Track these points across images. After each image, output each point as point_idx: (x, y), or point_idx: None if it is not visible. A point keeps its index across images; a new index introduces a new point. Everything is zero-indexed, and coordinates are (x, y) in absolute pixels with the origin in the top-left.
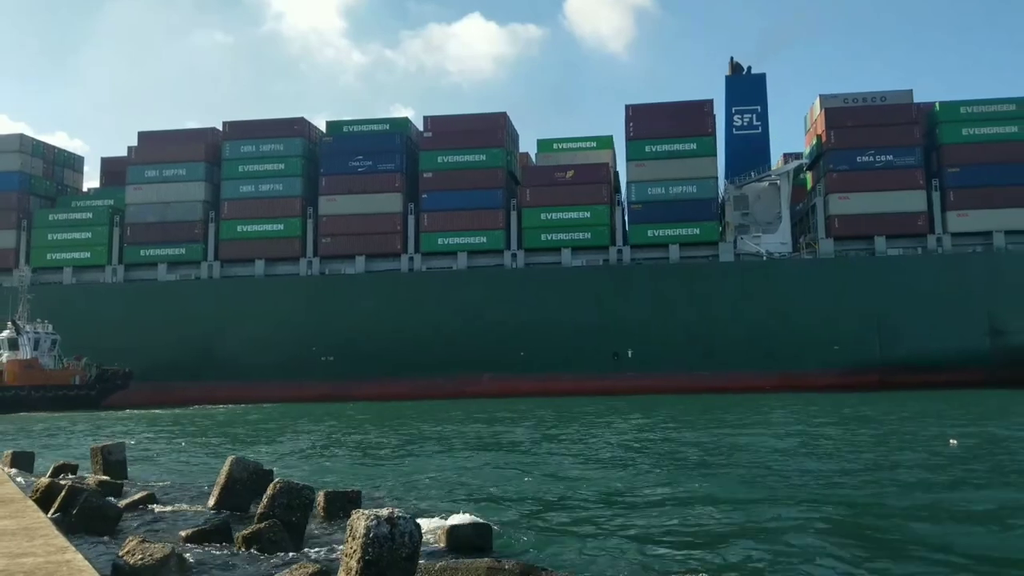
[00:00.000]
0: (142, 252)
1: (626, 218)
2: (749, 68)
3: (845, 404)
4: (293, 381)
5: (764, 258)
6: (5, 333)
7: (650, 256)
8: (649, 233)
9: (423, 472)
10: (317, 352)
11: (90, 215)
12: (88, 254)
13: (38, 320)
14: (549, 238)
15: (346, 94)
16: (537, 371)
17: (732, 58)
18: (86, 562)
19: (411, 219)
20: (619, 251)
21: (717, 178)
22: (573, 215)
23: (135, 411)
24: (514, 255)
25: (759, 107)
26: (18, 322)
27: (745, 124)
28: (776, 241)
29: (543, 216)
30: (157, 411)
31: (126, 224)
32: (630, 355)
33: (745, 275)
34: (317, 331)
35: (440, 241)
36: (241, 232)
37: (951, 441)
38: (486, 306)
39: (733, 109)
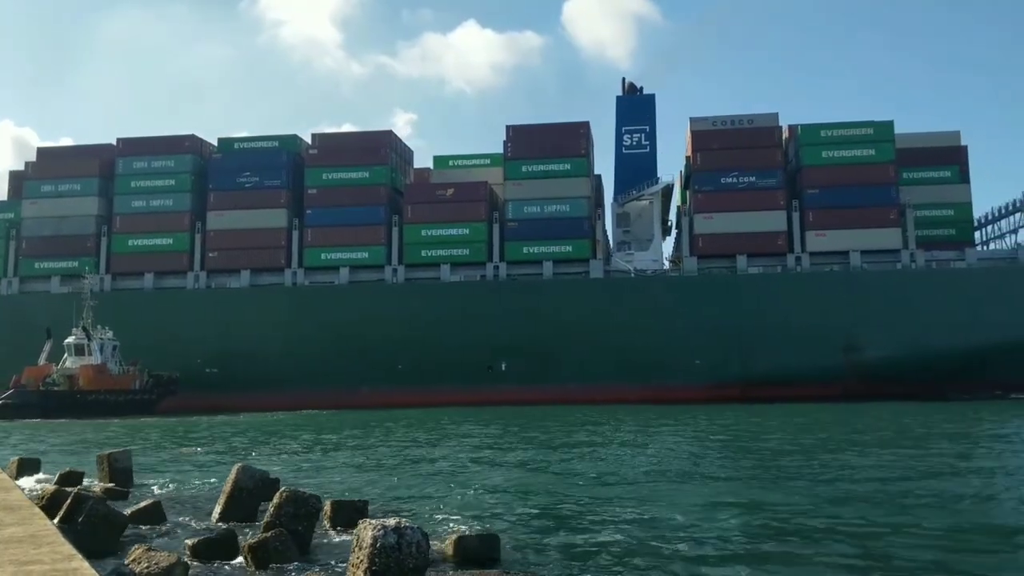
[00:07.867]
0: (36, 265)
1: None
2: (641, 88)
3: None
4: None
5: (632, 275)
6: (72, 339)
7: (525, 272)
8: (524, 250)
9: (429, 484)
10: (202, 364)
11: None
12: None
13: (99, 326)
14: (429, 254)
15: (346, 103)
16: (414, 384)
17: (624, 78)
18: (92, 570)
19: (296, 234)
20: (496, 267)
21: (591, 197)
22: (452, 232)
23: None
24: (395, 270)
25: (648, 127)
26: (87, 328)
27: (634, 143)
28: (648, 258)
29: (424, 232)
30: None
31: (21, 237)
32: (504, 368)
33: (613, 292)
34: (203, 344)
35: (323, 256)
36: (132, 246)
37: None
38: (366, 320)
39: (623, 128)
